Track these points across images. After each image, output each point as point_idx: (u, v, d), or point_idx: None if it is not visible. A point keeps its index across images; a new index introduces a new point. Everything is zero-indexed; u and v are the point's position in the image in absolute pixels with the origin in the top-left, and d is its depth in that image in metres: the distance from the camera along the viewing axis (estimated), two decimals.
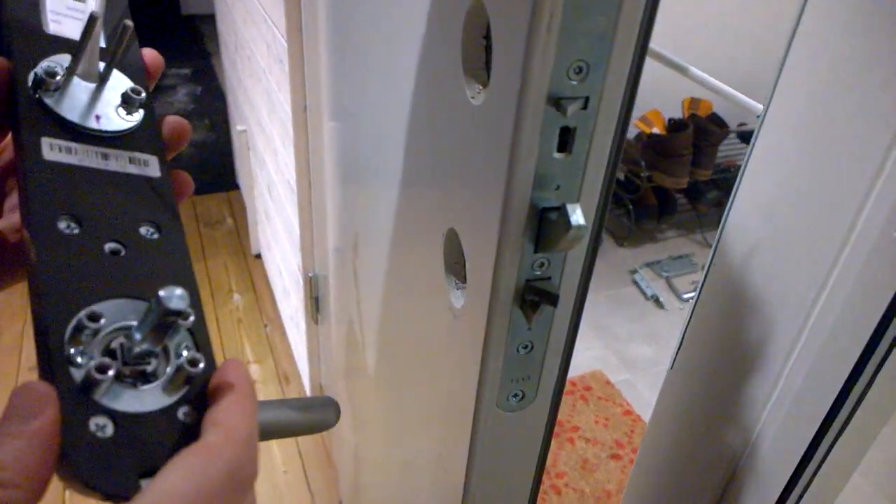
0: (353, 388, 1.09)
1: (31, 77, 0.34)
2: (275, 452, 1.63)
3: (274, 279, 1.95)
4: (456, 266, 0.45)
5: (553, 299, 0.38)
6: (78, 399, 0.26)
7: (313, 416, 0.35)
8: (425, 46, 0.44)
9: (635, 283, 2.30)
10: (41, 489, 0.26)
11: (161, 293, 0.26)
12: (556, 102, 0.32)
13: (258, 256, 2.19)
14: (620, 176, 2.42)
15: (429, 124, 0.47)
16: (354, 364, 1.03)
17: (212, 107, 3.29)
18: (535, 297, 0.38)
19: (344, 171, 0.89)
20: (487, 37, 0.37)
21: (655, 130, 2.32)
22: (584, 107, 0.32)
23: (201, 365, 0.30)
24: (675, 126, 2.29)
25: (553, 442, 1.75)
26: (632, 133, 2.40)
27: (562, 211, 0.34)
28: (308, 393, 1.69)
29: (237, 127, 2.06)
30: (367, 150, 0.64)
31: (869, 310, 0.35)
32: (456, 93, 0.39)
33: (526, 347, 0.42)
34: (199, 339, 0.31)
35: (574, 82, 0.31)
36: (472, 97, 0.38)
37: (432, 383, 0.54)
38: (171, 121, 0.37)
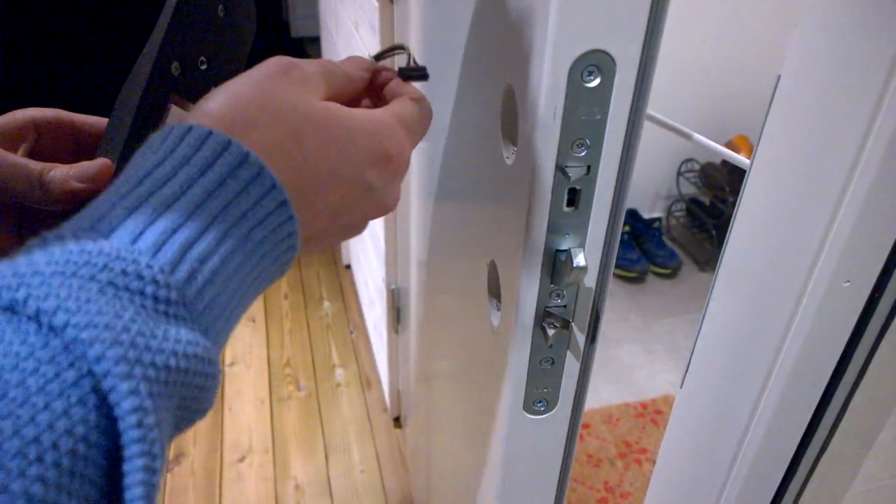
0: (425, 394, 1.19)
1: None
2: (353, 453, 1.75)
3: (361, 289, 2.09)
4: (496, 291, 0.54)
5: (566, 323, 0.46)
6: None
7: None
8: (479, 113, 0.54)
9: None
10: None
11: None
12: (563, 169, 0.40)
13: (348, 267, 2.35)
14: (705, 201, 2.42)
15: (478, 175, 0.56)
16: (425, 371, 1.13)
17: None
18: (552, 320, 0.47)
19: (427, 190, 1.00)
20: None
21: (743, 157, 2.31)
22: (587, 173, 0.41)
23: None
24: None
25: (620, 462, 1.79)
26: (718, 159, 2.39)
27: (568, 253, 0.42)
28: (387, 399, 1.81)
29: None
30: (441, 179, 0.74)
31: (828, 345, 0.42)
32: (495, 153, 0.48)
33: (548, 362, 0.50)
34: None
35: (577, 154, 0.40)
36: (507, 157, 0.47)
37: (478, 390, 0.63)
38: None
